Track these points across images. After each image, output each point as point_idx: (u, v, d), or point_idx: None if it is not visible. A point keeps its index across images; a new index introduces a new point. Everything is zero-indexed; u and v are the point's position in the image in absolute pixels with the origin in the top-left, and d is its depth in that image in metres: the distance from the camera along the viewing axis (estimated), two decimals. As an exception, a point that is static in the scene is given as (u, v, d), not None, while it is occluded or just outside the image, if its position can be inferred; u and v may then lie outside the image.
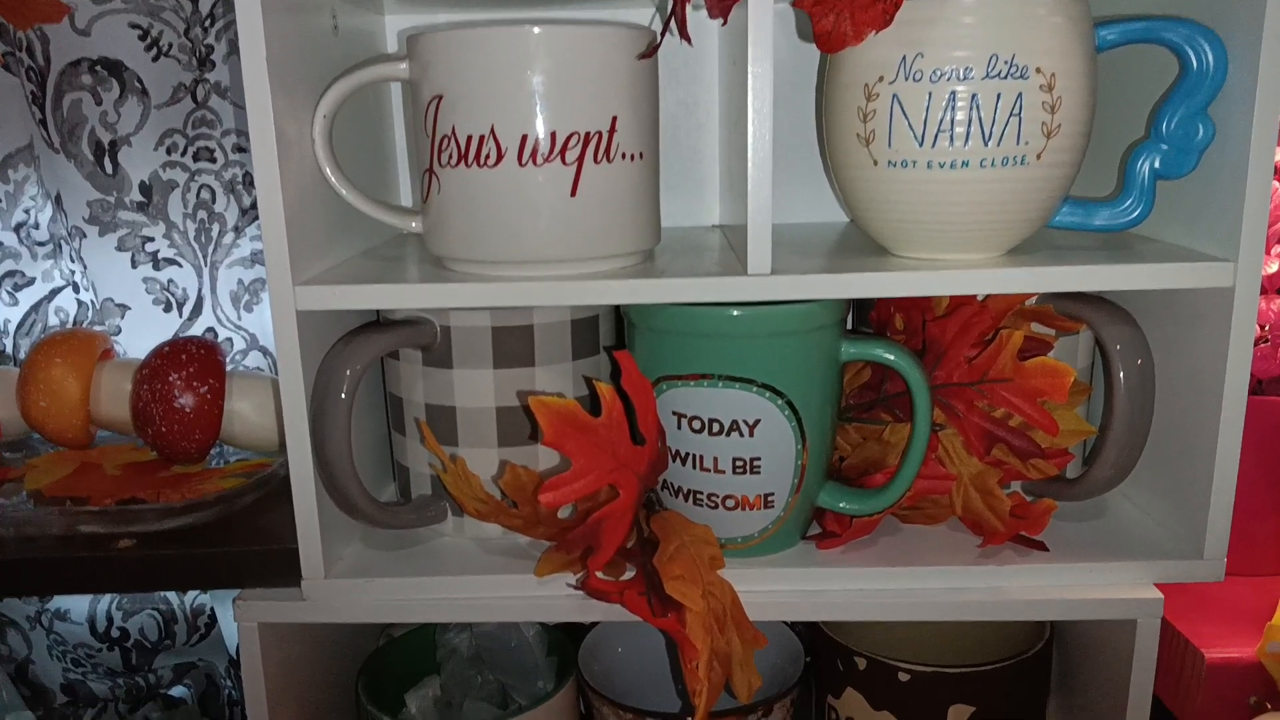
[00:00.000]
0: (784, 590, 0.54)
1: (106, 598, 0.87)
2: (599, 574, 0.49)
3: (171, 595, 0.88)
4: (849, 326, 0.66)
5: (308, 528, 0.54)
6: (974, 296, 0.54)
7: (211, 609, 0.87)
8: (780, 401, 0.51)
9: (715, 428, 0.52)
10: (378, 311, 0.60)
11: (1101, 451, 0.54)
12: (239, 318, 0.78)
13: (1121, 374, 0.52)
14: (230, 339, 0.78)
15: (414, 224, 0.55)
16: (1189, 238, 0.53)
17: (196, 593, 0.88)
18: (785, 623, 0.70)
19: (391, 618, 0.55)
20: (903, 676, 0.60)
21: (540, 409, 0.44)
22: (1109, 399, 0.53)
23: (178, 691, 0.92)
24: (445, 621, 0.55)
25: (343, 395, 0.51)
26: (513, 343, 0.55)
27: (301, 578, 0.55)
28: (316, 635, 0.63)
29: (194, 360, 0.64)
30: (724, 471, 0.53)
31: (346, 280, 0.51)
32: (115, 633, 0.87)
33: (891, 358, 0.52)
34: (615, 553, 0.46)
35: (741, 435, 0.52)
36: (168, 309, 0.77)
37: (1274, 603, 0.60)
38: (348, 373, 0.51)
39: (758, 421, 0.52)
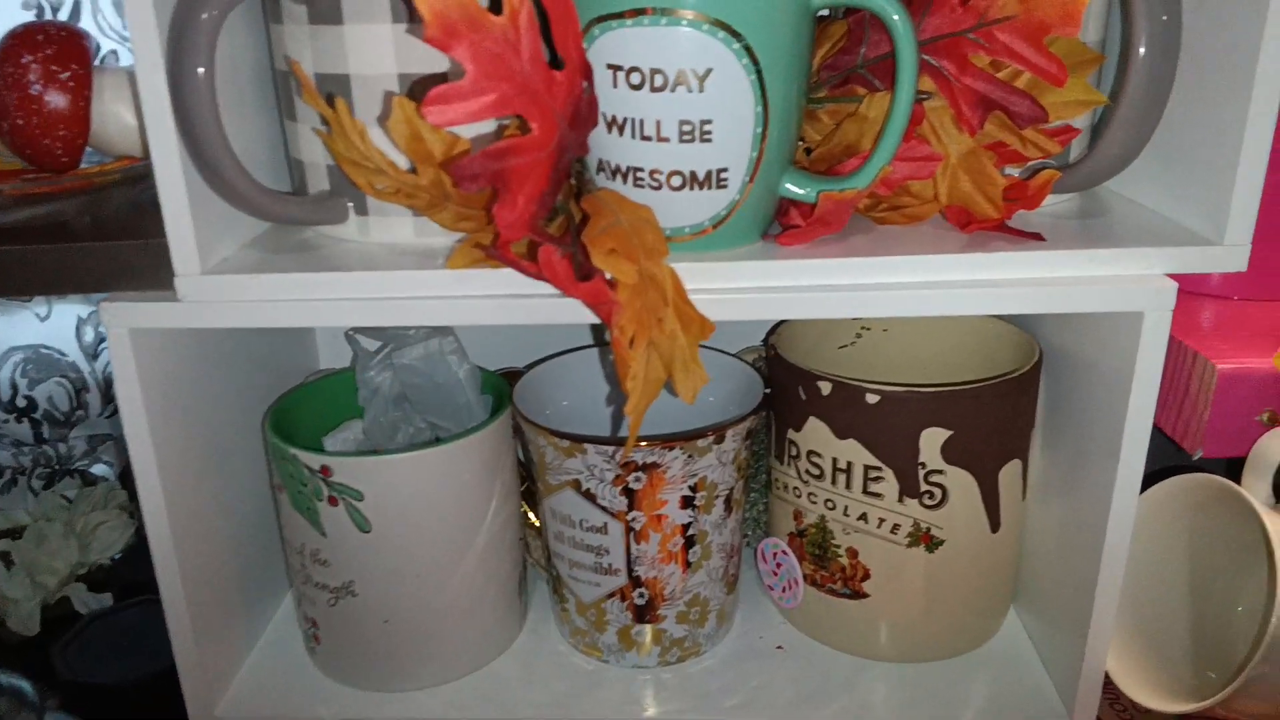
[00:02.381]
0: (739, 288, 0.47)
1: (9, 364, 0.79)
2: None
3: (81, 361, 0.81)
4: None
5: (176, 213, 0.46)
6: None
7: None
8: (737, 46, 0.42)
9: (658, 81, 0.43)
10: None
11: (1113, 121, 0.46)
12: (124, 26, 0.67)
13: (1145, 20, 0.43)
14: (115, 51, 0.67)
15: None
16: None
17: (107, 360, 0.81)
18: (743, 359, 0.63)
19: (280, 320, 0.47)
20: (870, 399, 0.53)
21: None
22: (1126, 57, 0.45)
23: (99, 469, 0.86)
24: (344, 325, 0.48)
25: (201, 37, 0.42)
26: (415, -11, 0.45)
27: (174, 275, 0.47)
28: (213, 354, 0.56)
29: (52, 42, 0.54)
30: (668, 139, 0.44)
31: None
32: (22, 402, 0.80)
33: (871, -5, 0.43)
34: (530, 211, 0.38)
35: (690, 90, 0.43)
36: (40, 14, 0.66)
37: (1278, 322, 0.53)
38: (204, 17, 0.42)
39: (709, 72, 0.43)
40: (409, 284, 0.46)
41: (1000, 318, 0.62)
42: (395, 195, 0.44)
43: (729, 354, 0.63)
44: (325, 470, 0.52)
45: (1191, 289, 0.60)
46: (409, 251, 0.49)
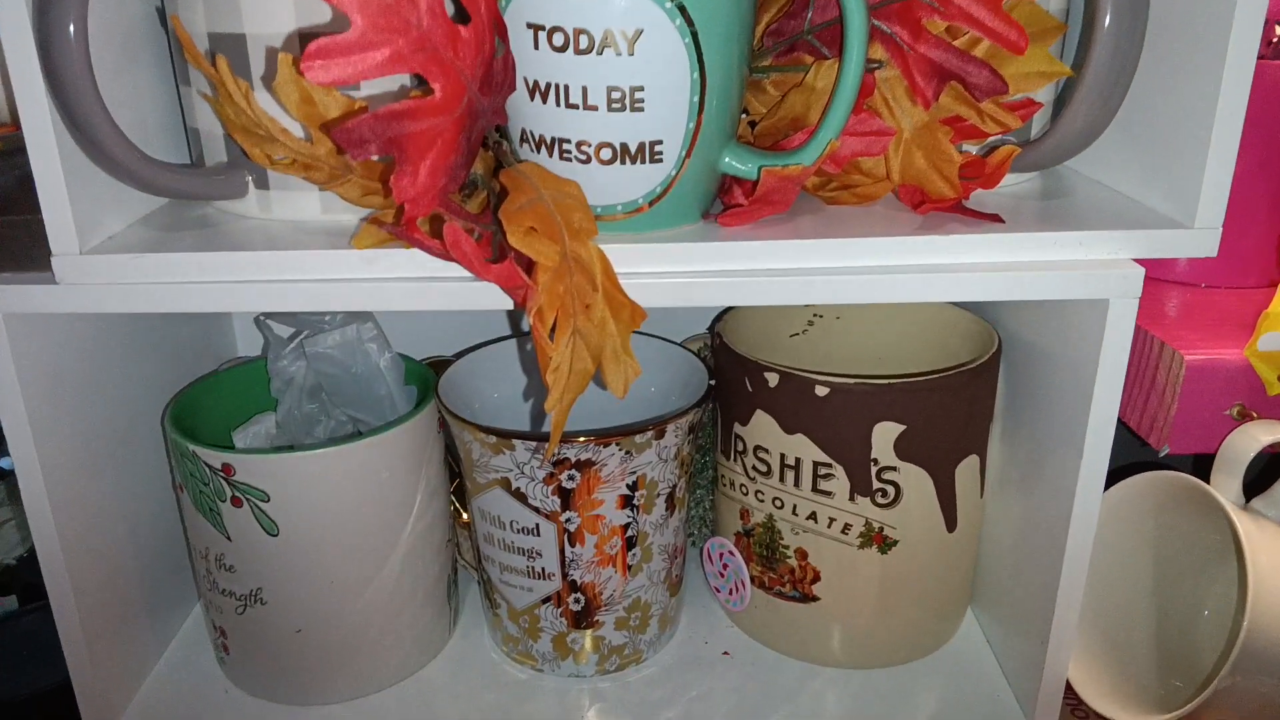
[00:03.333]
0: (677, 271, 0.43)
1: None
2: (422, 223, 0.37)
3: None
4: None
5: (51, 186, 0.41)
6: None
7: None
8: (669, 5, 0.38)
9: (583, 43, 0.39)
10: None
11: (1077, 94, 0.42)
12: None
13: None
14: None
15: None
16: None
17: None
18: (687, 349, 0.59)
19: (167, 305, 0.43)
20: (820, 391, 0.50)
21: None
22: (1090, 25, 0.41)
23: (5, 464, 0.80)
24: (239, 311, 0.43)
25: (68, -14, 0.37)
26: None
27: (51, 255, 0.42)
28: (109, 341, 0.51)
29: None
30: (596, 107, 0.40)
31: None
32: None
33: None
34: (436, 184, 0.34)
35: (618, 54, 0.39)
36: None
37: (1258, 312, 0.50)
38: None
39: (639, 34, 0.39)
40: (311, 265, 0.42)
41: (958, 305, 0.59)
42: (292, 166, 0.40)
43: (673, 342, 0.59)
44: (227, 469, 0.48)
45: (1156, 275, 0.57)
46: (315, 229, 0.45)
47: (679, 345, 0.59)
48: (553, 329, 0.37)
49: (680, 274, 0.43)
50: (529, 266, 0.37)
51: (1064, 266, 0.43)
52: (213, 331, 0.64)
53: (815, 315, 0.63)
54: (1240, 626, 0.44)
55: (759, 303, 0.43)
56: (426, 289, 0.42)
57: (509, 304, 0.41)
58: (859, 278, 0.43)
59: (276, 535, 0.49)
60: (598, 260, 0.39)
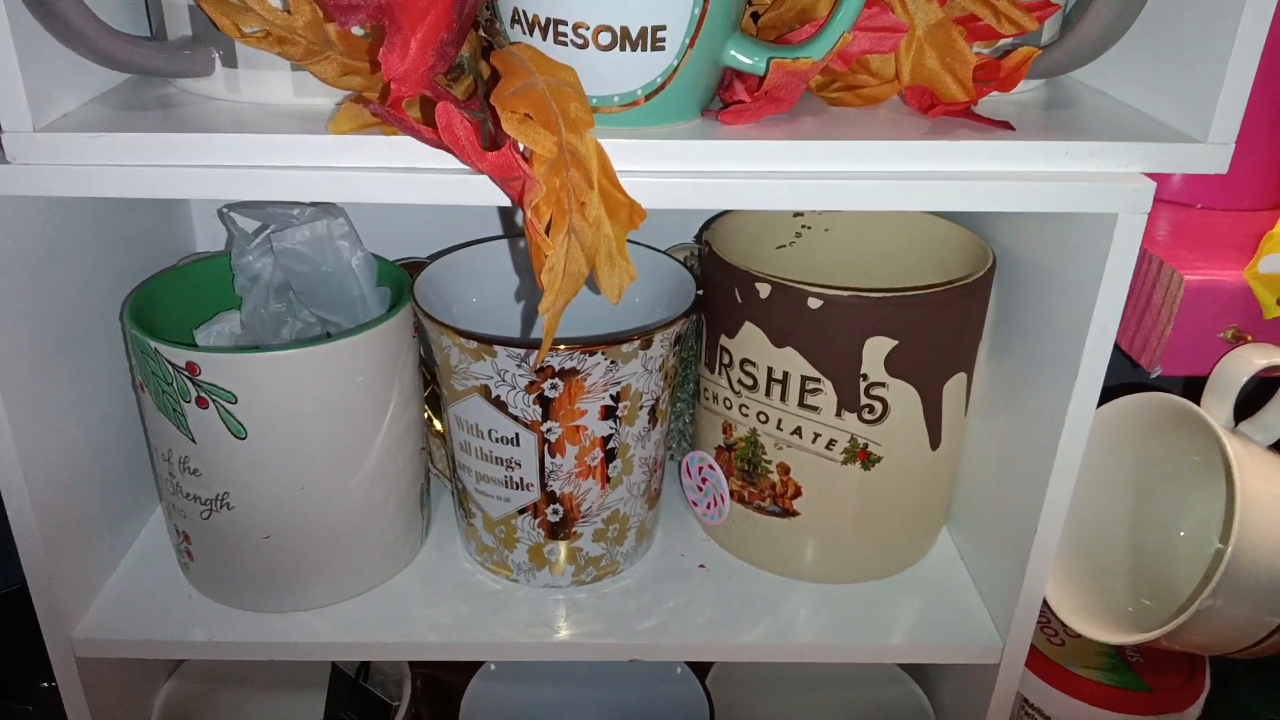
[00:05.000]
0: (674, 171, 0.41)
1: None
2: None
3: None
4: None
5: (1, 58, 0.38)
6: None
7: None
8: (679, -124, 0.36)
9: (585, -85, 0.36)
10: None
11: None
12: None
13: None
14: None
15: None
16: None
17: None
18: (674, 258, 0.57)
19: (125, 190, 0.40)
20: (813, 303, 0.48)
21: None
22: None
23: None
24: (202, 198, 0.40)
25: None
26: None
27: (1, 131, 0.39)
28: (64, 229, 0.48)
29: None
30: (596, -12, 0.38)
31: None
32: None
33: None
34: (426, 62, 0.32)
35: (622, -72, 0.36)
36: None
37: (1256, 236, 0.50)
38: None
39: (646, -94, 0.36)
40: (283, 150, 0.39)
41: (950, 218, 0.58)
42: (266, 40, 0.37)
43: (658, 250, 0.57)
44: (192, 367, 0.46)
45: (1156, 195, 0.56)
46: (287, 113, 0.42)
47: (665, 254, 0.57)
48: (547, 226, 0.35)
49: (678, 174, 0.41)
50: (525, 158, 0.35)
51: (1074, 178, 0.41)
52: (172, 224, 0.61)
53: (803, 227, 0.61)
54: (1225, 550, 0.44)
55: (760, 206, 0.41)
56: (409, 181, 0.40)
57: (497, 200, 0.39)
58: (866, 183, 0.41)
59: (244, 438, 0.47)
60: (595, 154, 0.37)
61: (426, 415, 0.57)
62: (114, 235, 0.53)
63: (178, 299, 0.53)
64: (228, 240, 0.54)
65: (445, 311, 0.53)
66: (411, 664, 0.65)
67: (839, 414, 0.51)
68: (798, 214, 0.60)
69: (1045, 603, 0.52)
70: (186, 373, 0.46)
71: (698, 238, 0.64)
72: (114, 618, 0.52)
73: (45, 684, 0.61)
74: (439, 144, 0.33)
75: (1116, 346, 0.51)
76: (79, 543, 0.51)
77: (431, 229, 0.63)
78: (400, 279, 0.53)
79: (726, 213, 0.58)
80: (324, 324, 0.55)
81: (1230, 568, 0.43)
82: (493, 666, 0.65)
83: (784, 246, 0.61)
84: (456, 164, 0.39)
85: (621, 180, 0.39)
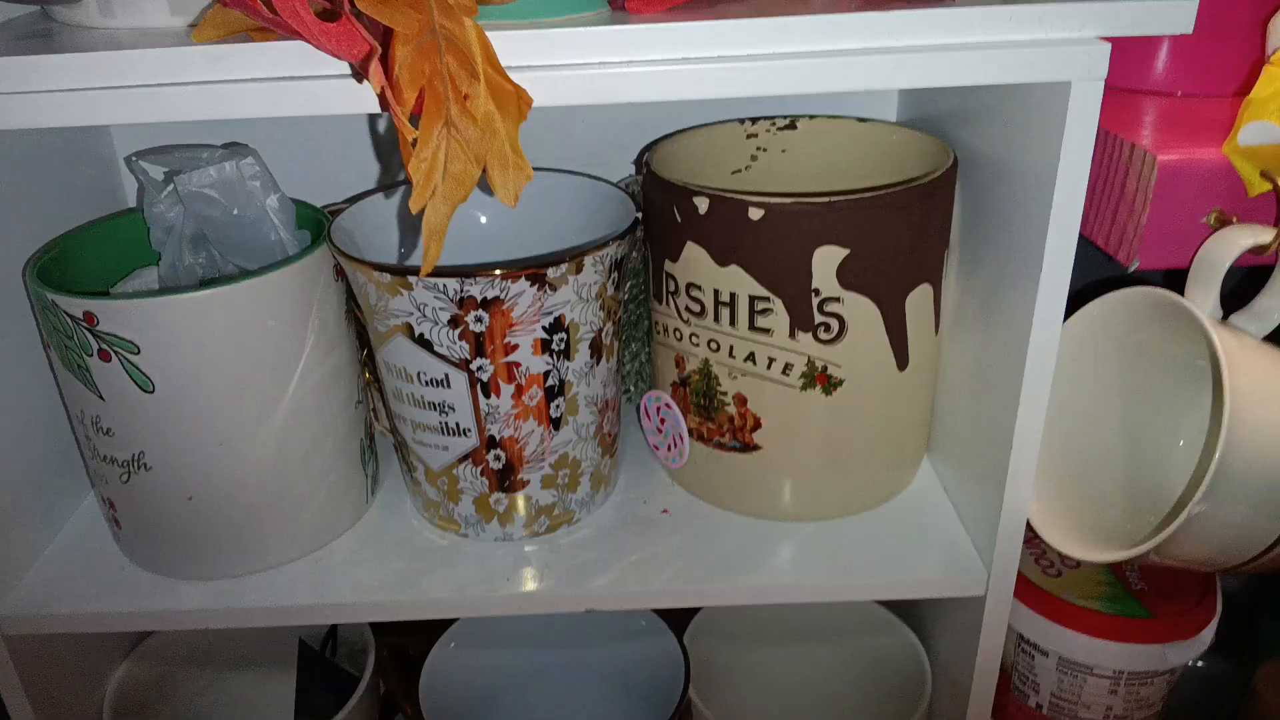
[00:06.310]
0: (578, 64, 0.37)
1: None
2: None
3: None
4: None
5: None
6: None
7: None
8: None
9: None
10: None
11: None
12: None
13: None
14: None
15: None
16: None
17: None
18: (618, 186, 0.54)
19: (-13, 117, 0.37)
20: (754, 214, 0.45)
21: None
22: None
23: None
24: (61, 126, 0.37)
25: None
26: None
27: None
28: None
29: None
30: None
31: None
32: None
33: None
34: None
35: None
36: None
37: (1232, 118, 0.45)
38: None
39: None
40: (148, 67, 0.36)
41: (913, 127, 0.54)
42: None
43: (599, 179, 0.54)
44: (90, 317, 0.43)
45: (1130, 85, 0.52)
46: (165, 34, 0.39)
47: (606, 182, 0.53)
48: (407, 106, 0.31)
49: (583, 65, 0.37)
50: (387, 42, 0.31)
51: (1021, 46, 0.37)
52: (97, 178, 0.58)
53: (759, 149, 0.57)
54: (1217, 449, 0.39)
55: (678, 96, 0.37)
56: (283, 90, 0.36)
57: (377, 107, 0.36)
58: (793, 63, 0.37)
59: (152, 391, 0.44)
60: (477, 41, 0.34)
61: (367, 376, 0.54)
62: (28, 192, 0.50)
63: (93, 256, 0.50)
64: (138, 191, 0.51)
65: (370, 257, 0.50)
66: (375, 634, 0.62)
67: (793, 335, 0.47)
68: (750, 135, 0.57)
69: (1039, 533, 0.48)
70: (85, 324, 0.43)
71: (638, 160, 0.61)
72: (42, 593, 0.50)
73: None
74: (277, 23, 0.30)
75: (1093, 244, 0.47)
76: (3, 516, 0.49)
77: (358, 171, 0.60)
78: (321, 221, 0.50)
79: (670, 135, 0.55)
80: (245, 272, 0.52)
81: (1222, 469, 0.39)
82: (453, 637, 0.62)
83: (739, 171, 0.58)
84: (335, 69, 0.36)
85: (521, 78, 0.35)
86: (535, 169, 0.54)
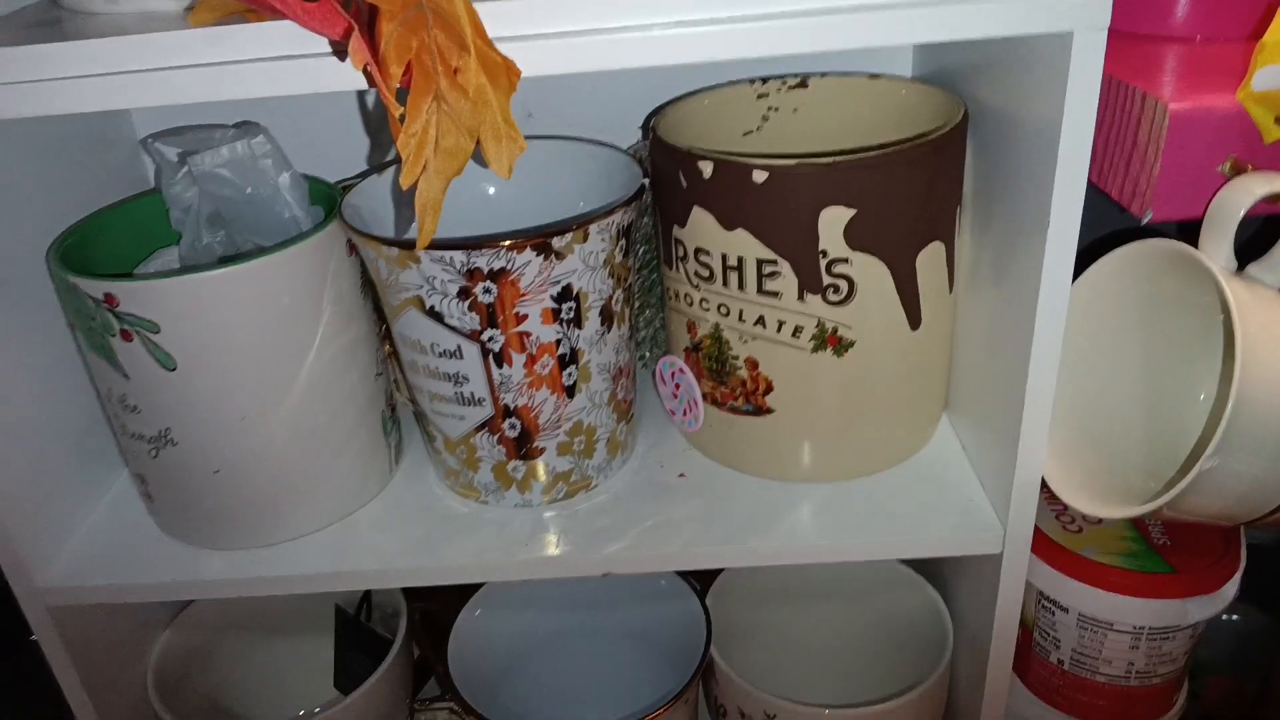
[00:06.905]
0: (567, 31, 0.37)
1: None
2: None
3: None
4: None
5: None
6: None
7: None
8: None
9: None
10: None
11: None
12: None
13: None
14: None
15: None
16: None
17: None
18: (625, 151, 0.54)
19: (-3, 107, 0.38)
20: (758, 177, 0.44)
21: None
22: None
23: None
24: (69, 113, 0.38)
25: None
26: None
27: None
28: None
29: None
30: None
31: None
32: None
33: None
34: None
35: None
36: None
37: (1246, 63, 0.43)
38: None
39: None
40: (145, 52, 0.37)
41: (928, 82, 0.53)
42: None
43: (605, 144, 0.54)
44: (110, 299, 0.44)
45: (1148, 31, 0.51)
46: (168, 18, 0.40)
47: (612, 147, 0.53)
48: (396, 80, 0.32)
49: (573, 33, 0.37)
50: (374, 18, 0.32)
51: (1019, -2, 0.37)
52: (120, 160, 0.59)
53: (770, 109, 0.57)
54: (1228, 401, 0.39)
55: (679, 60, 0.37)
56: (280, 70, 0.37)
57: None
58: (785, 23, 0.37)
59: (174, 369, 0.45)
60: (465, 13, 0.34)
61: (387, 349, 0.55)
62: (49, 178, 0.52)
63: (116, 238, 0.52)
64: (155, 173, 0.52)
65: (383, 231, 0.50)
66: (408, 598, 0.63)
67: (801, 297, 0.47)
68: (761, 95, 0.56)
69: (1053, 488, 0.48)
70: (106, 305, 0.44)
71: (645, 125, 0.60)
72: (83, 565, 0.52)
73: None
74: (266, 5, 0.30)
75: (1106, 196, 0.47)
76: (43, 489, 0.51)
77: (374, 146, 0.61)
78: (334, 197, 0.51)
79: (677, 99, 0.55)
80: (262, 249, 0.53)
81: (1234, 422, 0.39)
82: (479, 603, 0.63)
83: (751, 133, 0.57)
84: (333, 46, 0.36)
85: (507, 47, 0.35)
86: (546, 137, 0.54)
